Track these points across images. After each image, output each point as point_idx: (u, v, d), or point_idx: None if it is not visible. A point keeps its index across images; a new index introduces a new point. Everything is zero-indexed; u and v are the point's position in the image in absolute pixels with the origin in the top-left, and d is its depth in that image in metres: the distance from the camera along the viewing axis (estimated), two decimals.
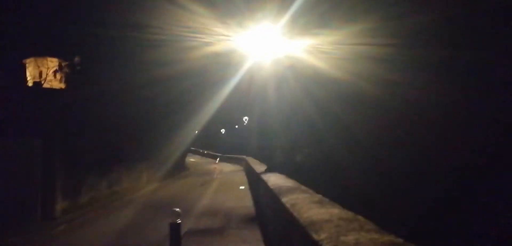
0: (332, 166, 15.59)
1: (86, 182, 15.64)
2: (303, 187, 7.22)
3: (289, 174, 10.96)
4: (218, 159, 35.17)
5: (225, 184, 23.36)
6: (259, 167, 17.37)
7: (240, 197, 17.04)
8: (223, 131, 64.96)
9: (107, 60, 18.75)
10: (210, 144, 65.61)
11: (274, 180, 9.11)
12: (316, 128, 16.16)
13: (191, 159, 55.26)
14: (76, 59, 20.57)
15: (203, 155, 62.67)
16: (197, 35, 14.66)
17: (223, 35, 12.32)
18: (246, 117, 47.39)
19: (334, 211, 4.18)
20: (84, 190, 15.47)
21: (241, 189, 20.08)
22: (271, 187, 7.38)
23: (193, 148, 65.48)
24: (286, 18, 11.07)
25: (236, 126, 59.60)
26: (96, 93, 16.29)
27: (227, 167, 39.01)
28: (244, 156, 36.26)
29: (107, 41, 19.03)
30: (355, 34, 14.67)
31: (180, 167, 37.27)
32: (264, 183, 9.13)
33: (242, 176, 26.93)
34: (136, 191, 21.29)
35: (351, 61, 15.13)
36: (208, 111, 29.49)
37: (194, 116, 28.55)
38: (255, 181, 14.70)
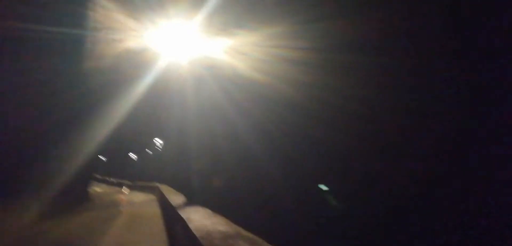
0: (259, 187, 13.94)
1: None
2: (243, 232, 5.10)
3: (214, 206, 8.81)
4: (125, 187, 31.30)
5: (134, 219, 20.08)
6: (175, 198, 14.80)
7: (152, 234, 14.29)
8: (133, 155, 59.90)
9: None
10: (119, 171, 59.92)
11: (198, 219, 6.85)
12: (241, 143, 14.41)
13: (97, 189, 49.51)
14: None
15: (110, 183, 56.82)
16: (106, 29, 12.03)
17: (134, 30, 10.08)
18: (159, 140, 43.75)
19: None
20: None
21: (153, 223, 17.17)
22: (197, 235, 5.12)
23: (99, 176, 59.22)
24: (201, 16, 9.37)
25: (149, 151, 55.30)
26: None
27: (138, 197, 35.12)
28: (157, 184, 32.91)
29: None
30: (273, 36, 13.73)
31: (82, 198, 32.43)
32: (184, 225, 6.76)
33: (155, 207, 23.77)
34: (17, 233, 16.99)
35: (269, 63, 14.13)
36: (116, 125, 25.55)
37: (99, 131, 24.56)
38: (171, 217, 12.14)
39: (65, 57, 16.38)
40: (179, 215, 8.21)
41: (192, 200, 9.96)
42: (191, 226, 6.12)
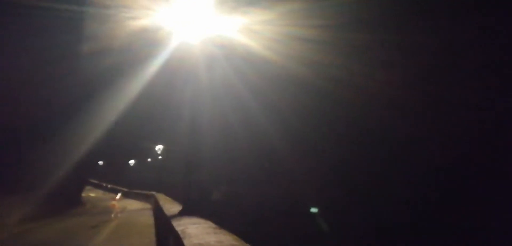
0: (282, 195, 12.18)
1: None
2: None
3: (218, 219, 6.88)
4: (119, 194, 29.36)
5: (124, 227, 18.11)
6: (170, 207, 12.85)
7: None
8: (132, 162, 57.92)
9: None
10: (116, 177, 57.90)
11: (197, 234, 4.89)
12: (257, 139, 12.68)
13: (91, 194, 47.70)
14: None
15: (106, 189, 54.82)
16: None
17: (145, 7, 8.63)
18: (159, 146, 41.68)
19: None
20: None
21: (144, 234, 15.21)
22: None
23: (95, 181, 57.25)
24: None
25: (149, 159, 53.33)
26: None
27: (133, 204, 33.18)
28: (153, 192, 30.97)
29: None
30: (286, 14, 12.49)
31: (73, 202, 30.45)
32: (178, 241, 4.81)
33: (148, 217, 21.78)
34: None
35: (282, 42, 12.90)
36: (114, 122, 23.56)
37: (97, 128, 22.65)
38: (164, 229, 10.18)
39: (66, 38, 14.52)
40: (173, 227, 6.25)
41: (190, 210, 8.02)
42: (186, 243, 4.17)
